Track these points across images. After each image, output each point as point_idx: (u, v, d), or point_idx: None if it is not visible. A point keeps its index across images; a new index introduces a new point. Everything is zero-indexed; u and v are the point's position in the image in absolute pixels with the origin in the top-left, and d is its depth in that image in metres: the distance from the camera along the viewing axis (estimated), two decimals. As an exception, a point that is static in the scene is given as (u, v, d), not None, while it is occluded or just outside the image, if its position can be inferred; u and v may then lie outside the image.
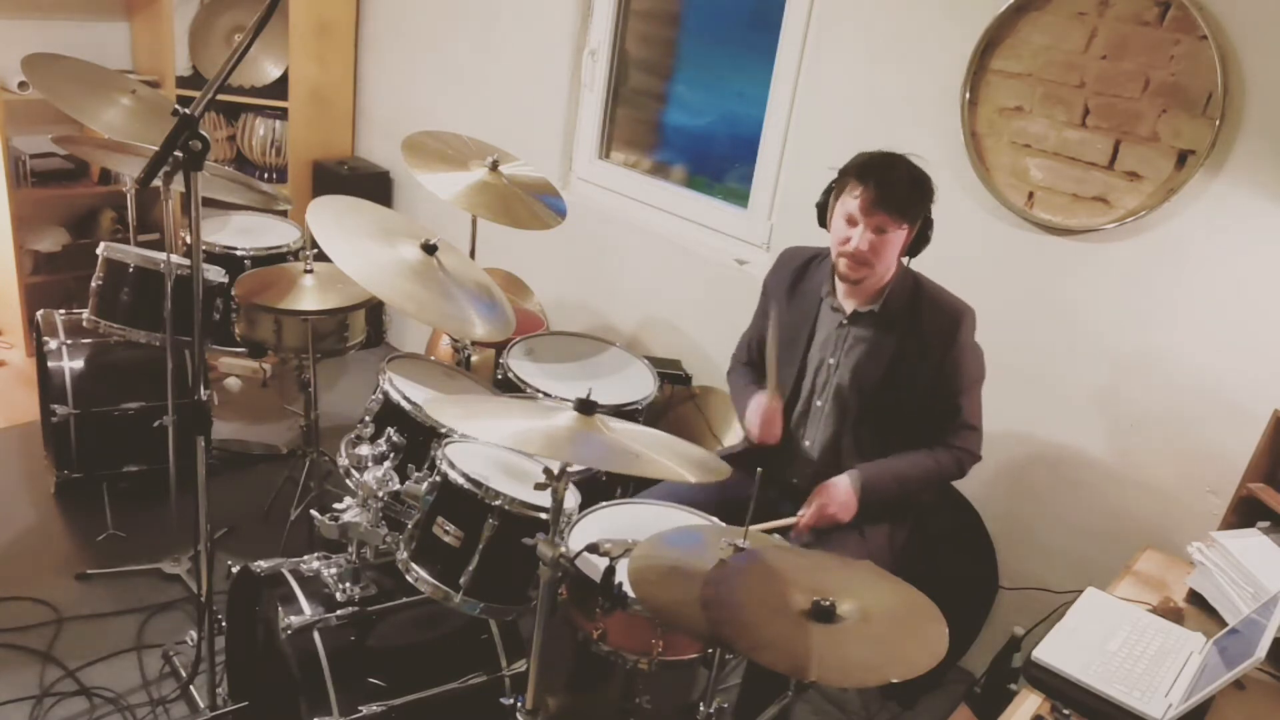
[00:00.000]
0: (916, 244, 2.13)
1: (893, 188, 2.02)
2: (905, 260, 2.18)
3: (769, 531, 2.11)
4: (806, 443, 2.29)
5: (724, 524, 2.08)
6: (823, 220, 2.19)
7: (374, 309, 2.87)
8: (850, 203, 2.06)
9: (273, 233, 3.13)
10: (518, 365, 2.62)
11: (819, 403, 2.26)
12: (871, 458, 2.21)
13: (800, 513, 2.16)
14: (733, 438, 2.99)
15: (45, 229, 3.98)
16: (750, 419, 2.27)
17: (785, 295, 2.31)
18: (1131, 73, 2.34)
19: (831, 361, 2.23)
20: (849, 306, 2.21)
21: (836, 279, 2.21)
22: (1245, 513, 2.15)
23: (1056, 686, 1.72)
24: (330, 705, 1.90)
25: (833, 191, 2.14)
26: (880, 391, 2.18)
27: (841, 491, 2.14)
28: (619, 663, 1.88)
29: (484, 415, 1.75)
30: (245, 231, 3.10)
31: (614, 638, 1.86)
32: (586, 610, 1.88)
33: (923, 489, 2.28)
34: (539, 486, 1.68)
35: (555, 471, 1.67)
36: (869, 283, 2.15)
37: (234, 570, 2.13)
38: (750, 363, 2.45)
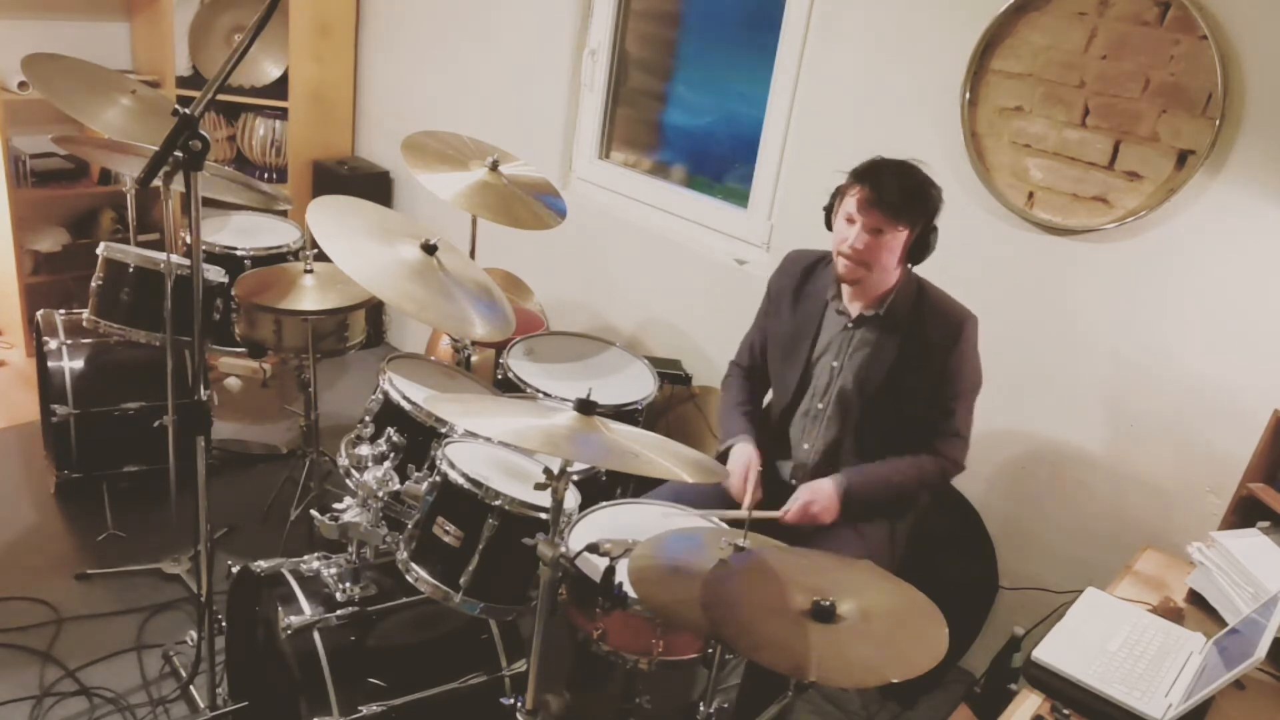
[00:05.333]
0: (917, 250, 2.12)
1: (887, 189, 2.04)
2: (908, 266, 2.17)
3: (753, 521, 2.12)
4: (805, 445, 2.30)
5: (721, 523, 2.08)
6: (828, 224, 2.20)
7: (374, 309, 2.87)
8: (849, 202, 2.09)
9: (273, 233, 3.13)
10: (518, 365, 2.62)
11: (820, 404, 2.27)
12: (872, 458, 2.22)
13: (785, 508, 2.17)
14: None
15: (45, 229, 3.98)
16: (734, 477, 2.22)
17: (790, 297, 2.31)
18: (1131, 73, 2.34)
19: (835, 364, 2.23)
20: (854, 310, 2.21)
21: (842, 282, 2.22)
22: (1245, 513, 2.15)
23: (1056, 686, 1.72)
24: (330, 705, 1.90)
25: (838, 195, 2.16)
26: (882, 395, 2.19)
27: (824, 494, 2.16)
28: (619, 663, 1.88)
29: (484, 413, 1.75)
30: (245, 231, 3.10)
31: (614, 638, 1.86)
32: (586, 610, 1.88)
33: (908, 495, 2.29)
34: (539, 486, 1.68)
35: (555, 471, 1.67)
36: (868, 286, 2.15)
37: (234, 570, 2.13)
38: (752, 367, 2.44)
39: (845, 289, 2.22)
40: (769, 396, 2.43)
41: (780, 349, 2.33)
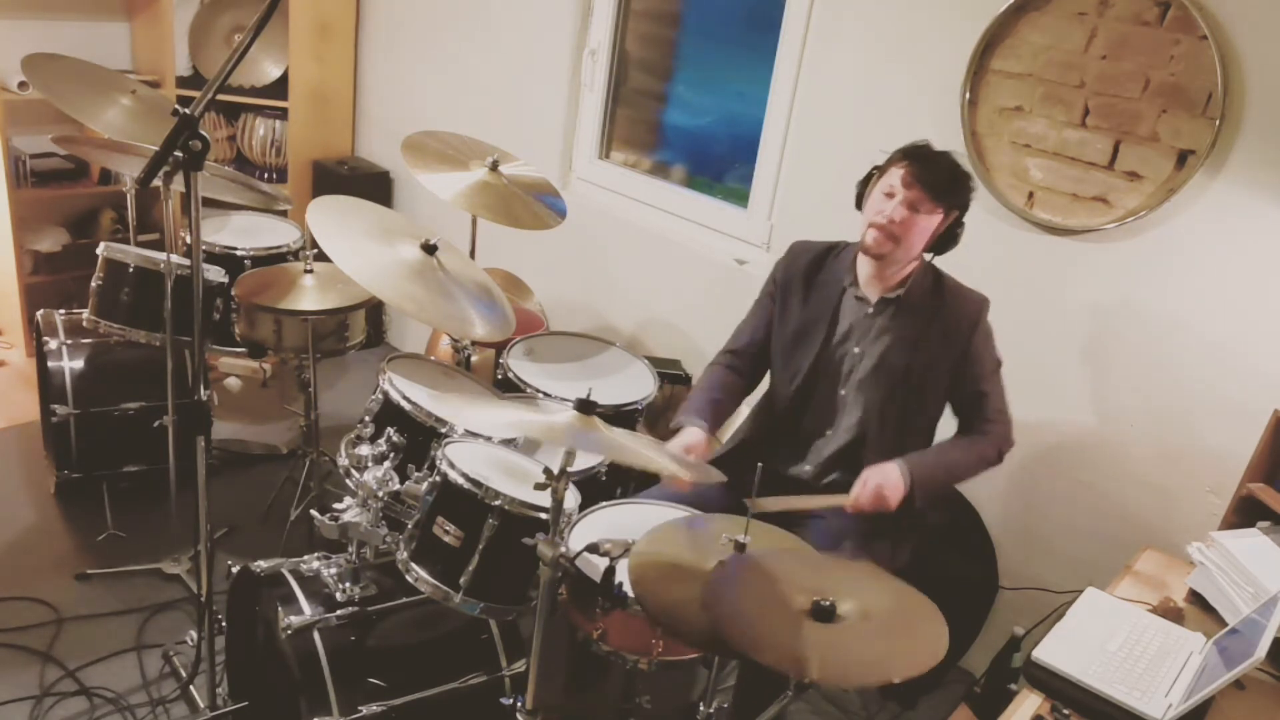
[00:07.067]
0: (944, 240, 2.16)
1: (935, 168, 2.09)
2: (929, 256, 2.21)
3: (808, 511, 2.12)
4: (829, 432, 2.28)
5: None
6: (858, 203, 2.22)
7: (374, 309, 2.87)
8: (893, 176, 2.11)
9: (273, 233, 3.13)
10: (518, 365, 2.62)
11: (843, 392, 2.26)
12: (894, 444, 2.21)
13: (854, 493, 2.11)
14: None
15: (45, 229, 3.98)
16: (674, 448, 2.16)
17: (801, 286, 2.30)
18: (1131, 73, 2.34)
19: (857, 350, 2.23)
20: (873, 295, 2.22)
21: (859, 266, 2.23)
22: (1245, 513, 2.15)
23: (1056, 686, 1.72)
24: (330, 705, 1.90)
25: (874, 174, 2.18)
26: (908, 377, 2.19)
27: (893, 474, 2.12)
28: (619, 663, 1.88)
29: (484, 409, 1.74)
30: (245, 231, 3.10)
31: (614, 638, 1.86)
32: (586, 610, 1.88)
33: (966, 477, 2.29)
34: (539, 486, 1.68)
35: (555, 471, 1.67)
36: (889, 265, 2.17)
37: (234, 570, 2.13)
38: (742, 352, 2.38)
39: (862, 275, 2.23)
40: (765, 387, 2.40)
41: (789, 337, 2.30)
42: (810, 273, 2.30)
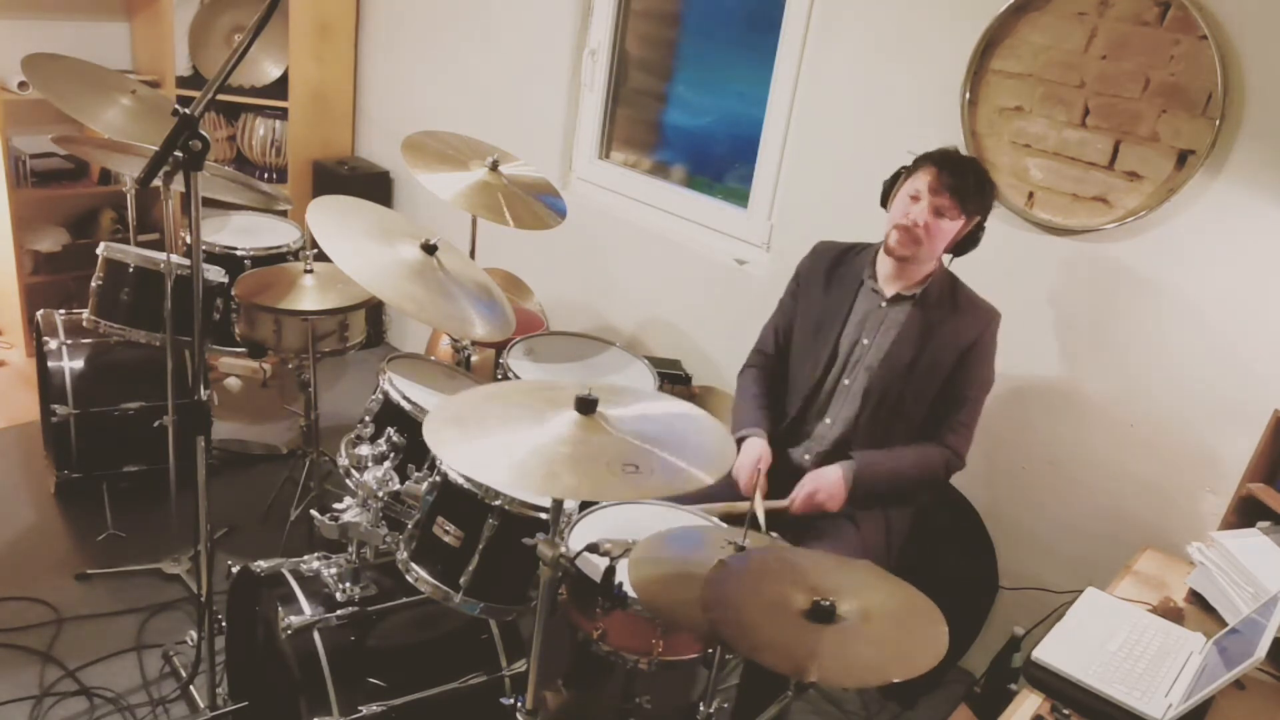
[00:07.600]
0: (965, 243, 2.22)
1: (963, 176, 2.14)
2: (949, 259, 2.26)
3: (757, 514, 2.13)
4: (827, 420, 2.31)
5: (724, 524, 2.08)
6: (884, 201, 2.27)
7: (374, 309, 2.87)
8: (920, 180, 2.16)
9: (273, 233, 3.13)
10: (518, 365, 2.62)
11: (846, 381, 2.29)
12: (882, 437, 2.24)
13: (791, 497, 2.19)
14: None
15: (45, 229, 3.98)
16: (743, 470, 2.23)
17: (822, 280, 2.35)
18: (1131, 73, 2.34)
19: (865, 341, 2.27)
20: (889, 290, 2.26)
21: (879, 264, 2.28)
22: (1245, 513, 2.15)
23: (1056, 686, 1.72)
24: (330, 705, 1.90)
25: (902, 174, 2.23)
26: (908, 374, 2.22)
27: (830, 481, 2.18)
28: (619, 663, 1.88)
29: (479, 431, 1.64)
30: (245, 231, 3.10)
31: (614, 638, 1.86)
32: (586, 610, 1.88)
33: (913, 486, 2.30)
34: (539, 486, 1.68)
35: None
36: (910, 266, 2.22)
37: (234, 570, 2.13)
38: (775, 354, 2.44)
39: (882, 272, 2.27)
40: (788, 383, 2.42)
41: (810, 329, 2.35)
42: (830, 268, 2.36)
